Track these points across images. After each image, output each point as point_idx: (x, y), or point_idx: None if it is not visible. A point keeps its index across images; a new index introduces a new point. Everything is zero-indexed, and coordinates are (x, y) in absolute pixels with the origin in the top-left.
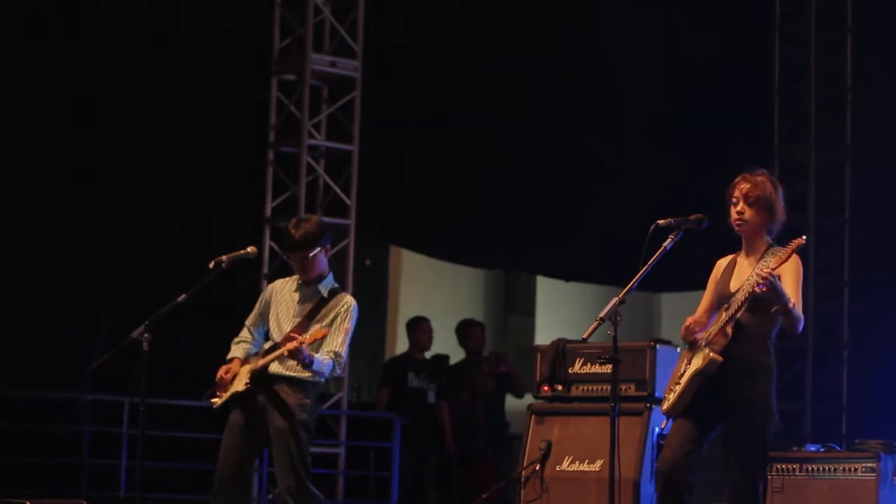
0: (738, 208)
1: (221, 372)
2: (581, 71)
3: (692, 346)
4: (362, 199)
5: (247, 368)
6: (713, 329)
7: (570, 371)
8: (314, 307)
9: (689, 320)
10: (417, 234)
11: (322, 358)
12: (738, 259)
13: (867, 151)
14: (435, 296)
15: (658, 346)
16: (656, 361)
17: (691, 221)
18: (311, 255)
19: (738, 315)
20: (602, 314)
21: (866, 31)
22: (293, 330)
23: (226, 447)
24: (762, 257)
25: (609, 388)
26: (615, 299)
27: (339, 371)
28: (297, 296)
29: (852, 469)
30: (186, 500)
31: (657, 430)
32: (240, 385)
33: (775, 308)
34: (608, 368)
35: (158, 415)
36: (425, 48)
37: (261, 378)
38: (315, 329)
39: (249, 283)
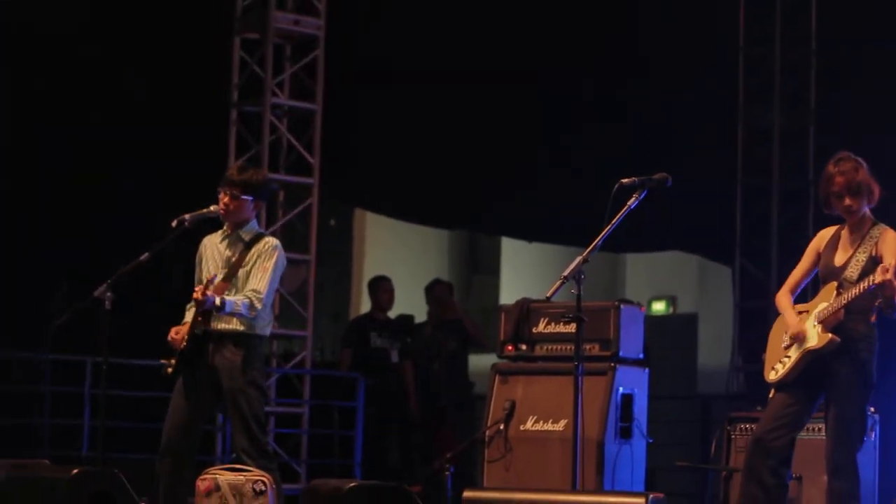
0: (846, 203)
1: (172, 333)
2: (543, 30)
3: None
4: (326, 159)
5: (187, 328)
6: (826, 307)
7: (534, 331)
8: (239, 254)
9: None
10: (381, 196)
11: (235, 299)
12: (842, 233)
13: (831, 115)
14: (400, 256)
15: (622, 305)
16: (620, 321)
17: (655, 181)
18: (242, 197)
19: (848, 298)
20: (566, 273)
21: None
22: (218, 282)
23: (173, 410)
24: (868, 233)
25: (573, 347)
26: (579, 258)
27: (260, 307)
28: (222, 246)
29: (817, 429)
30: (149, 460)
31: (620, 389)
32: (181, 348)
33: (882, 302)
34: (572, 328)
35: (121, 374)
36: (389, 8)
37: (202, 336)
38: (220, 284)
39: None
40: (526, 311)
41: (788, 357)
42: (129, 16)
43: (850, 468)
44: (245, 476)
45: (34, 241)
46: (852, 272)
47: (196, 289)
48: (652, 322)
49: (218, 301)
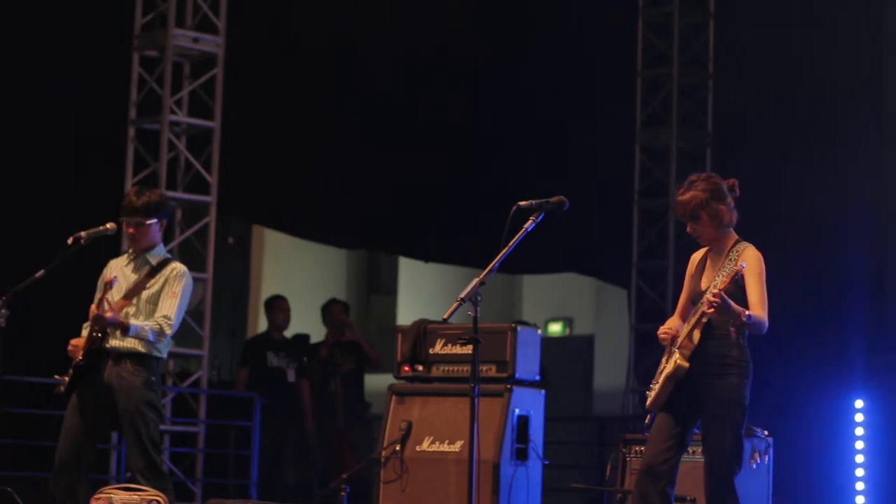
0: (689, 229)
1: (71, 345)
2: (445, 53)
3: (672, 343)
4: (224, 176)
5: (83, 342)
6: (684, 331)
7: (430, 352)
8: (143, 277)
9: (660, 330)
10: (279, 213)
11: (143, 324)
12: (710, 255)
13: (728, 137)
14: (298, 275)
15: (519, 327)
16: (517, 343)
17: (552, 203)
18: (147, 223)
19: (703, 321)
20: (462, 295)
21: (729, 18)
22: (119, 300)
23: (66, 428)
24: (728, 254)
25: (469, 368)
26: (476, 280)
27: (169, 334)
28: (128, 270)
29: None
30: (43, 479)
31: (517, 411)
32: (78, 358)
33: (730, 322)
34: (469, 349)
35: (15, 391)
36: (288, 24)
37: (100, 354)
38: (120, 301)
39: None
40: (423, 332)
41: (657, 383)
42: (26, 27)
43: (727, 493)
44: (139, 495)
45: None
46: (702, 308)
47: (99, 305)
48: (548, 344)
49: (121, 320)
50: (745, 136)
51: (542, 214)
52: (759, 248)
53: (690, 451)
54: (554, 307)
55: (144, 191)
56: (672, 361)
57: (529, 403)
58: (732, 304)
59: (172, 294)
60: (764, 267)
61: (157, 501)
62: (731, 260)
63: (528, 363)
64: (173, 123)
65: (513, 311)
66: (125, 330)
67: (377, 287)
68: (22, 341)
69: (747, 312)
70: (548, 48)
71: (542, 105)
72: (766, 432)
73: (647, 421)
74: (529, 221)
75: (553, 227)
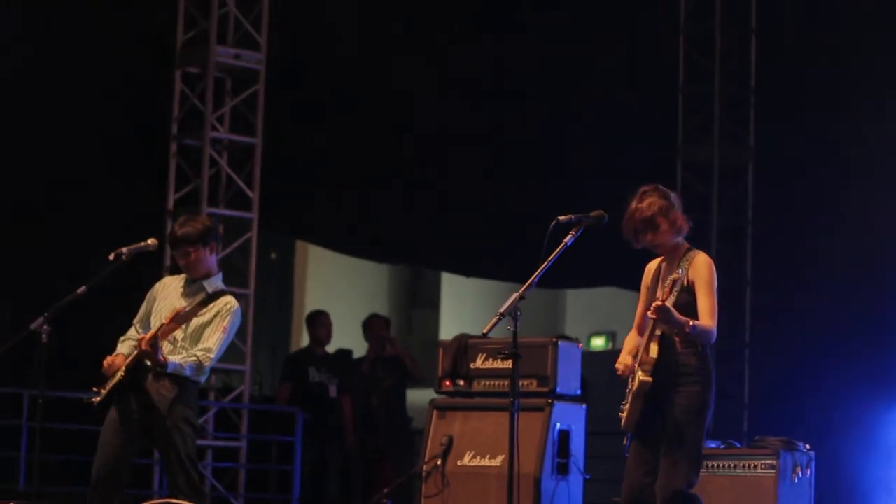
0: (649, 238)
1: (106, 363)
2: (490, 72)
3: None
4: (266, 192)
5: (121, 359)
6: (642, 345)
7: (471, 366)
8: (196, 304)
9: (618, 367)
10: (321, 229)
11: (180, 361)
12: (664, 265)
13: (770, 152)
14: (340, 290)
15: (560, 342)
16: (558, 357)
17: (592, 218)
18: (192, 251)
19: (658, 334)
20: (502, 310)
21: (771, 32)
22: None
23: (103, 444)
24: (680, 262)
25: (510, 383)
26: (515, 295)
27: (207, 368)
28: (180, 291)
29: (752, 466)
30: (80, 494)
31: (558, 425)
32: (116, 379)
33: (675, 332)
34: (509, 364)
35: (58, 407)
36: (329, 42)
37: (140, 371)
38: (168, 326)
39: (151, 275)
40: (464, 346)
41: (626, 402)
42: (69, 46)
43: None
44: None
45: None
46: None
47: (161, 333)
48: (592, 358)
49: (160, 359)
50: (788, 151)
51: (582, 229)
52: (802, 261)
53: (730, 465)
54: (597, 321)
55: (188, 221)
56: (636, 379)
57: (570, 418)
58: (675, 314)
59: (221, 329)
60: (715, 274)
61: None
62: (682, 269)
63: (569, 378)
64: (215, 139)
65: (556, 325)
66: (163, 367)
67: (420, 302)
68: (59, 356)
69: (691, 323)
70: (584, 64)
71: (580, 119)
72: (808, 446)
73: (624, 442)
74: (569, 236)
75: (595, 240)
